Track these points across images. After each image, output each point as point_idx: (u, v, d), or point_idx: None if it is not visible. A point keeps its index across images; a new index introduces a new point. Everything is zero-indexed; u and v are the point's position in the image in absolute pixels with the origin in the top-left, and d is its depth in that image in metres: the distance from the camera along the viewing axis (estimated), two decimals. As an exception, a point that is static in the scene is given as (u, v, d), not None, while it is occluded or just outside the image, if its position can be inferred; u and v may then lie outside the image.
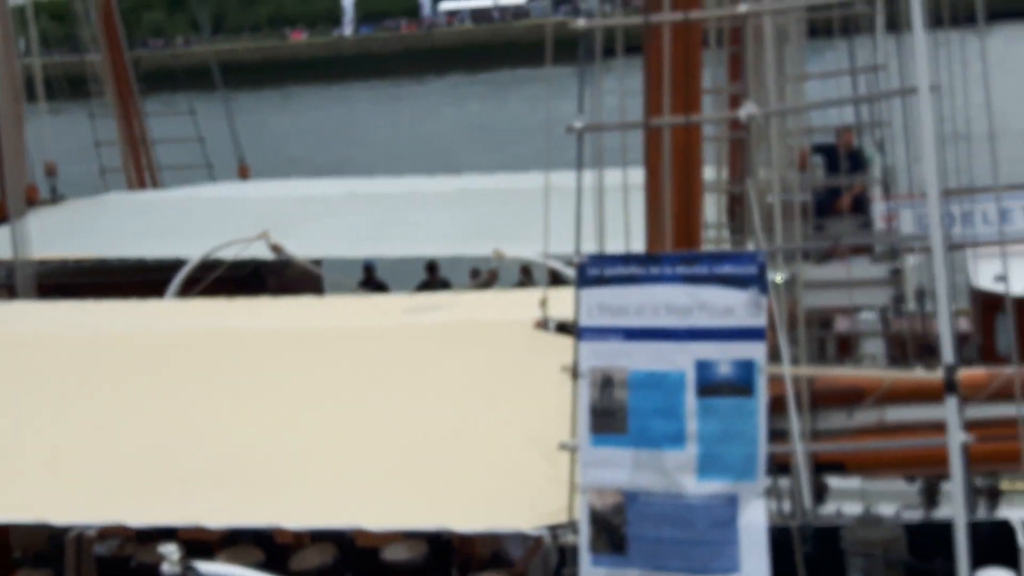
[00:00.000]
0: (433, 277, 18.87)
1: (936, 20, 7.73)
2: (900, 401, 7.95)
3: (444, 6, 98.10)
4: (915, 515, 9.28)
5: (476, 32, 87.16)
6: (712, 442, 5.46)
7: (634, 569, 5.54)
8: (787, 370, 6.14)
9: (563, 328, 8.82)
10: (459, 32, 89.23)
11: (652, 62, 7.32)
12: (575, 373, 5.73)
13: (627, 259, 5.78)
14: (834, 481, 9.27)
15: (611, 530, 5.59)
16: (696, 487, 5.46)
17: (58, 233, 17.64)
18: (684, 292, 5.55)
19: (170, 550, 6.43)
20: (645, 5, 7.27)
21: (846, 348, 12.67)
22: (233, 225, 15.56)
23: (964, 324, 13.34)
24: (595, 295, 5.73)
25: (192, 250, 14.83)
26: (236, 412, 8.65)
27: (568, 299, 7.06)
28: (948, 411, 5.12)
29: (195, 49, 72.39)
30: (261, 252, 14.37)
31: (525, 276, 17.44)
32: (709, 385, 5.49)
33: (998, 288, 12.46)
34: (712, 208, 11.51)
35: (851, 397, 8.01)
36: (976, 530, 5.18)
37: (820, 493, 8.72)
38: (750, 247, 6.23)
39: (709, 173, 10.44)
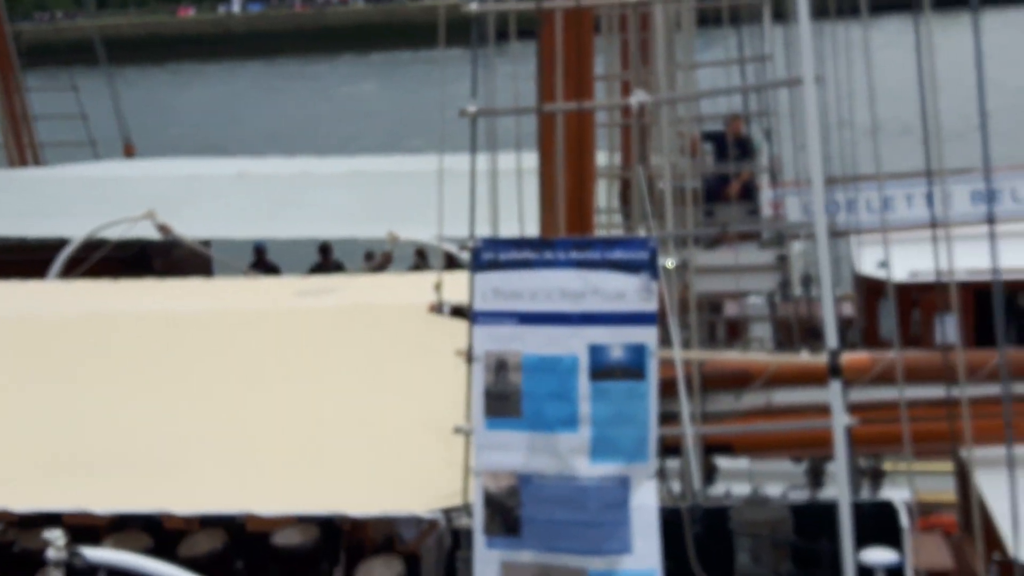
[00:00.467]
0: (326, 259, 18.74)
1: (821, 11, 7.89)
2: (786, 384, 8.13)
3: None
4: (801, 495, 9.51)
5: (369, 12, 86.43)
6: (605, 425, 5.52)
7: (528, 551, 5.58)
8: (678, 354, 6.23)
9: (457, 312, 8.85)
10: (352, 12, 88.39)
11: (545, 48, 7.36)
12: (469, 357, 5.74)
13: (521, 243, 5.80)
14: (722, 462, 9.46)
15: (505, 512, 5.62)
16: (589, 469, 5.51)
17: (-64, 210, 17.14)
18: (577, 277, 5.60)
19: (55, 535, 6.30)
20: (539, -10, 7.29)
21: (735, 332, 12.92)
22: (118, 204, 15.23)
23: (848, 309, 13.68)
24: (489, 279, 5.74)
25: (75, 229, 14.50)
26: (123, 397, 8.50)
27: (462, 283, 7.08)
28: (832, 394, 5.24)
29: (79, 23, 70.64)
30: (147, 232, 14.11)
31: (420, 259, 17.41)
32: (602, 369, 5.54)
33: (881, 274, 12.82)
34: (604, 193, 11.64)
35: (739, 380, 8.18)
36: (860, 511, 5.32)
37: (709, 474, 8.89)
38: (641, 233, 6.30)
39: (601, 159, 10.54)
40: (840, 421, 5.23)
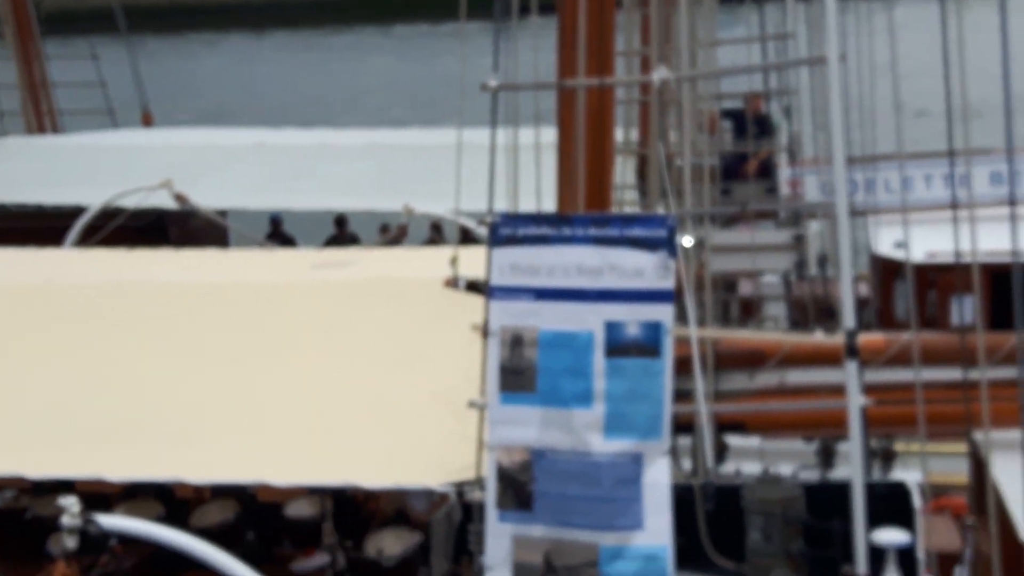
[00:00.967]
0: (342, 231, 18.74)
1: (845, -10, 7.85)
2: (800, 364, 8.13)
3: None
4: (812, 475, 9.52)
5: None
6: (619, 401, 5.53)
7: (540, 525, 5.60)
8: (693, 332, 6.22)
9: (473, 287, 8.85)
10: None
11: (566, 23, 7.34)
12: (485, 332, 5.74)
13: (539, 219, 5.79)
14: (733, 440, 9.48)
15: (518, 487, 5.64)
16: (602, 445, 5.52)
17: (-45, 177, 17.21)
18: (595, 253, 5.59)
19: (70, 502, 6.33)
20: (560, -35, 7.28)
21: (749, 311, 12.90)
22: (135, 173, 15.28)
23: (863, 289, 13.65)
24: (507, 254, 5.74)
25: (93, 197, 14.54)
26: (138, 366, 8.53)
27: (478, 257, 7.07)
28: (848, 375, 5.23)
29: (99, -9, 70.46)
30: (164, 201, 14.14)
31: (435, 233, 17.41)
32: (617, 346, 5.55)
33: (897, 254, 12.77)
34: (621, 170, 11.61)
35: (753, 359, 8.17)
36: (873, 491, 5.32)
37: (720, 452, 8.90)
38: (660, 210, 6.29)
39: (619, 135, 10.52)
40: (855, 402, 5.23)
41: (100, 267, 10.93)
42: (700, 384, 6.11)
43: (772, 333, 11.04)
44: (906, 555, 5.39)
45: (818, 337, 8.39)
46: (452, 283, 9.12)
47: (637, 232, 5.55)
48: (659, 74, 6.42)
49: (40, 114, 20.61)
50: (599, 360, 5.56)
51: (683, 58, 8.79)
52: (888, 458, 9.60)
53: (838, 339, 5.38)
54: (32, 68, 20.52)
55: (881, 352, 7.92)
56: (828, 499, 5.51)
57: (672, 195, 7.18)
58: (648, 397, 5.52)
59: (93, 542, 6.45)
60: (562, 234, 5.65)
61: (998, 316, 12.90)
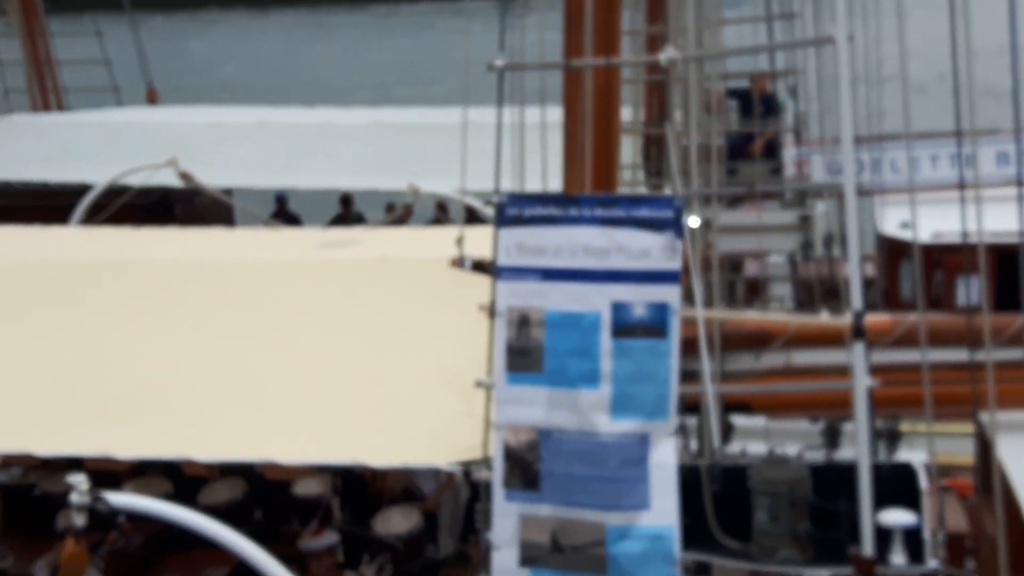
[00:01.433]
0: (347, 210, 18.73)
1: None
2: (806, 345, 8.12)
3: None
4: (817, 455, 9.53)
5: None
6: (625, 382, 5.54)
7: (546, 505, 5.62)
8: (700, 313, 6.23)
9: (479, 267, 8.85)
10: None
11: (572, 3, 7.31)
12: (492, 312, 5.75)
13: (546, 200, 5.79)
14: (738, 421, 9.48)
15: (524, 466, 5.66)
16: (609, 426, 5.54)
17: (-41, 154, 17.21)
18: (602, 234, 5.59)
19: (79, 480, 6.36)
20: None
21: (755, 291, 12.89)
22: (140, 151, 15.27)
23: (870, 269, 13.65)
24: (513, 235, 5.74)
25: (98, 175, 14.54)
26: (145, 344, 8.56)
27: (484, 237, 7.07)
28: (855, 356, 5.23)
29: (102, -32, 70.22)
30: (169, 179, 14.14)
31: (440, 212, 17.41)
32: (624, 326, 5.55)
33: (903, 235, 12.77)
34: (627, 150, 11.59)
35: (759, 340, 8.17)
36: (879, 472, 5.33)
37: (726, 433, 8.91)
38: (667, 191, 6.29)
39: (625, 114, 10.49)
40: (862, 383, 5.23)
41: (106, 245, 10.96)
42: (706, 365, 6.12)
43: (778, 314, 11.03)
44: (912, 536, 5.40)
45: (824, 318, 8.41)
46: (458, 263, 9.12)
47: (644, 213, 5.55)
48: (667, 53, 6.40)
49: (45, 91, 20.59)
50: (606, 341, 5.57)
51: (690, 37, 8.76)
52: (893, 438, 9.60)
53: (845, 320, 5.37)
54: (36, 45, 20.49)
55: (887, 333, 7.92)
56: (834, 480, 5.52)
57: (678, 175, 7.17)
58: (654, 377, 5.53)
59: (102, 519, 6.48)
60: (569, 214, 5.65)
61: (1004, 297, 12.90)
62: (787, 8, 12.10)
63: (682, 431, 7.23)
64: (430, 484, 10.70)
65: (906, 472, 5.60)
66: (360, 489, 10.36)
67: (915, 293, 7.24)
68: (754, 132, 13.84)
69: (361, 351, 8.19)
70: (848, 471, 5.31)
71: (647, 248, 5.53)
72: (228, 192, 15.68)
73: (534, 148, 7.40)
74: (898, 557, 5.38)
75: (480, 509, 5.97)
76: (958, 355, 7.33)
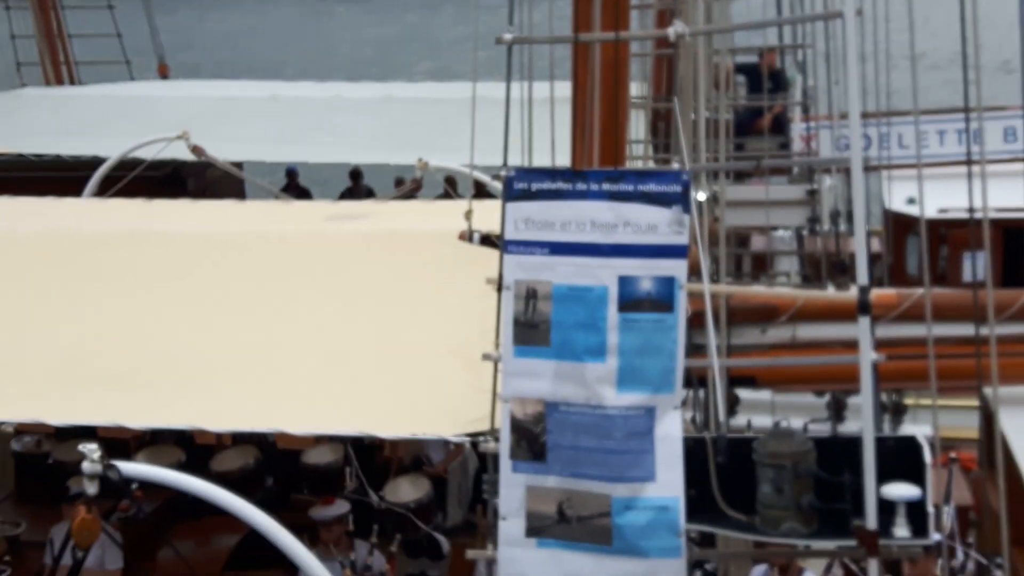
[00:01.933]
0: (356, 184, 18.80)
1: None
2: (812, 319, 8.18)
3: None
4: (822, 428, 9.59)
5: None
6: (632, 355, 5.58)
7: (553, 476, 5.67)
8: (707, 287, 6.27)
9: (487, 240, 8.90)
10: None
11: (582, -25, 7.32)
12: (500, 285, 5.79)
13: (553, 174, 5.81)
14: (744, 394, 9.55)
15: (531, 438, 5.70)
16: (615, 398, 5.58)
17: (-28, 127, 17.29)
18: (609, 208, 5.61)
19: (91, 448, 6.41)
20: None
21: (761, 266, 12.94)
22: (152, 124, 15.33)
23: (876, 244, 13.69)
24: (521, 209, 5.77)
25: (110, 148, 14.60)
26: (157, 314, 8.62)
27: (492, 211, 7.12)
28: (861, 331, 5.25)
29: (114, -60, 69.91)
30: (181, 153, 14.20)
31: (449, 186, 17.47)
32: (631, 300, 5.58)
33: (910, 210, 12.80)
34: (635, 124, 11.62)
35: (766, 314, 8.23)
36: (884, 445, 5.37)
37: (732, 406, 8.98)
38: (675, 165, 6.31)
39: (633, 89, 10.51)
40: (867, 357, 5.26)
41: (119, 216, 11.02)
42: (712, 338, 6.15)
43: (785, 289, 11.08)
44: (916, 509, 5.43)
45: (830, 293, 8.45)
46: (466, 236, 9.17)
47: (652, 187, 5.58)
48: (676, 28, 6.41)
49: (57, 65, 20.65)
50: (612, 314, 5.60)
51: (699, 11, 8.77)
52: (898, 412, 9.68)
53: (850, 294, 5.39)
54: (49, 19, 20.53)
55: (893, 307, 7.98)
56: (839, 453, 5.55)
57: (687, 150, 7.19)
58: (661, 351, 5.57)
59: (114, 487, 6.54)
60: (576, 189, 5.67)
61: (1010, 273, 12.95)
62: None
63: (694, 402, 7.30)
64: (439, 455, 10.82)
65: (911, 445, 5.62)
66: (369, 459, 10.46)
67: (921, 269, 7.27)
68: (762, 107, 13.86)
69: (370, 323, 8.25)
70: (853, 444, 5.34)
71: (654, 222, 5.56)
72: (239, 166, 15.74)
73: (543, 123, 7.43)
74: (902, 530, 5.40)
75: (488, 479, 6.03)
76: (962, 330, 7.40)
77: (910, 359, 7.15)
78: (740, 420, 9.37)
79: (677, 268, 5.55)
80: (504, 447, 5.76)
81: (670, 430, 5.55)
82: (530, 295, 5.71)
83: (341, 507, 9.42)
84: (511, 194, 5.77)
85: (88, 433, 8.40)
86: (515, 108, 6.53)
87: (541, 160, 7.25)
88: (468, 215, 8.96)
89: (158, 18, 21.51)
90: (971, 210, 6.98)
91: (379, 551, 9.39)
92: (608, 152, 7.40)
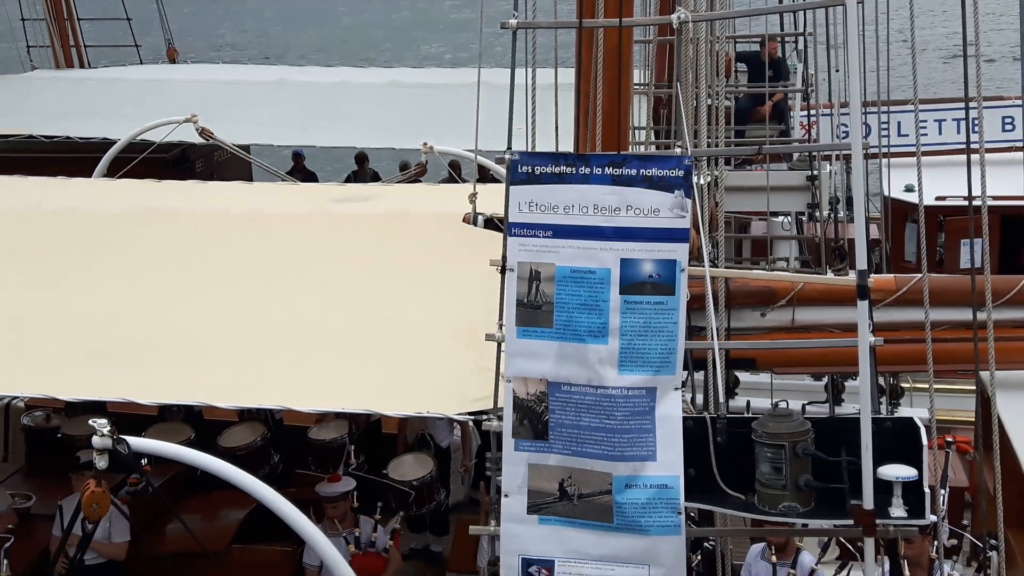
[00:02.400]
0: (362, 168, 18.87)
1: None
2: (810, 303, 8.26)
3: None
4: (820, 409, 9.69)
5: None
6: (633, 337, 5.64)
7: (555, 455, 5.74)
8: (707, 270, 6.35)
9: (491, 223, 8.99)
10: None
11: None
12: (503, 267, 5.85)
13: (557, 157, 5.86)
14: (744, 376, 9.65)
15: (534, 417, 5.77)
16: (616, 379, 5.64)
17: (-16, 108, 17.40)
18: (612, 192, 5.67)
19: (101, 423, 6.49)
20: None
21: (761, 251, 13.02)
22: (161, 107, 15.44)
23: (874, 231, 13.78)
24: (525, 192, 5.82)
25: (120, 131, 14.69)
26: (166, 292, 8.71)
27: (496, 194, 7.20)
28: (860, 315, 5.30)
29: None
30: (189, 136, 14.30)
31: (453, 171, 17.56)
32: (632, 283, 5.64)
33: (908, 197, 12.88)
34: (637, 110, 11.69)
35: (765, 298, 8.31)
36: (881, 426, 5.45)
37: (731, 387, 9.07)
38: (677, 150, 6.37)
39: (636, 76, 10.59)
40: (865, 340, 5.32)
41: (128, 197, 11.11)
42: (712, 321, 6.22)
43: (785, 273, 11.15)
44: (913, 490, 5.50)
45: (830, 277, 8.53)
46: (471, 219, 9.25)
47: (654, 171, 5.64)
48: (679, 15, 6.48)
49: (68, 48, 20.72)
50: (614, 296, 5.66)
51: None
52: (895, 395, 9.76)
53: (850, 279, 5.44)
54: (59, 2, 20.59)
55: (891, 292, 8.05)
56: (837, 433, 5.61)
57: (688, 135, 7.26)
58: (662, 333, 5.63)
59: (123, 462, 6.61)
60: (580, 172, 5.73)
61: (1007, 260, 13.04)
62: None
63: (693, 384, 7.37)
64: (444, 434, 10.93)
65: (909, 427, 5.69)
66: (375, 437, 10.57)
67: (918, 255, 7.35)
68: (763, 95, 13.92)
69: (376, 302, 8.33)
70: (851, 425, 5.42)
71: (657, 206, 5.62)
72: (246, 148, 15.84)
73: (547, 108, 7.49)
74: (898, 510, 5.47)
75: (491, 458, 6.10)
76: (960, 315, 7.49)
77: (908, 343, 7.23)
78: (739, 402, 9.46)
79: (679, 251, 5.62)
80: (507, 426, 5.83)
81: (670, 410, 5.63)
82: (533, 277, 5.77)
83: (347, 484, 9.53)
84: (515, 177, 5.83)
85: (98, 409, 8.52)
86: (520, 94, 6.59)
87: (545, 146, 7.32)
88: (472, 198, 9.04)
89: (167, 3, 21.56)
90: (969, 197, 7.07)
91: (383, 527, 9.50)
92: (611, 137, 7.46)
